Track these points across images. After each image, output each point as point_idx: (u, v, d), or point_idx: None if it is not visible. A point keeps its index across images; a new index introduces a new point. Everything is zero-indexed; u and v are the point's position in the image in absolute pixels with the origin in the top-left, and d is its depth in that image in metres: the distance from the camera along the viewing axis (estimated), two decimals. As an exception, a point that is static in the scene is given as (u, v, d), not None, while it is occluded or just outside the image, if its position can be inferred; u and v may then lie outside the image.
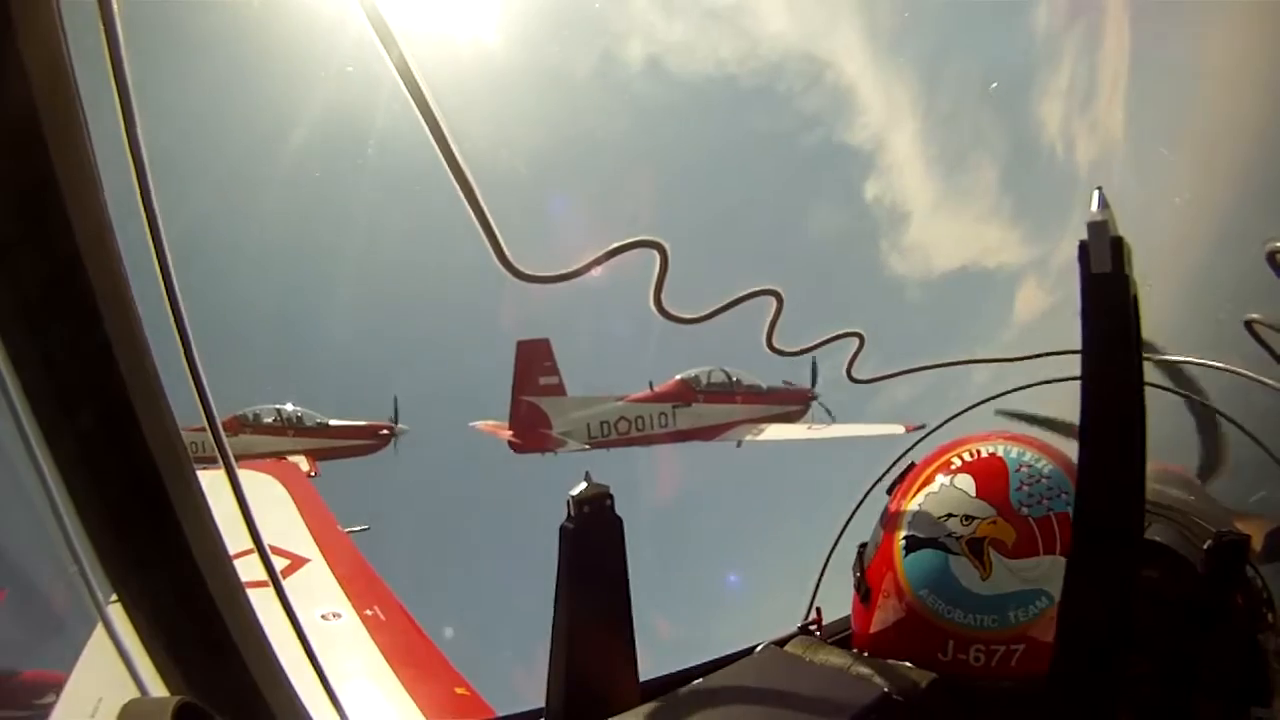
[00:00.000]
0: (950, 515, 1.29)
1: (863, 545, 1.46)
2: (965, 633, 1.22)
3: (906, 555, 1.31)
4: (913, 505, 1.35)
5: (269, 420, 16.55)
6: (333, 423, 17.69)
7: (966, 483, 1.32)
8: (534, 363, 17.68)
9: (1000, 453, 1.34)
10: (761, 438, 17.44)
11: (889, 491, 1.46)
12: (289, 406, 17.08)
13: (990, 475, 1.31)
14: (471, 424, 18.70)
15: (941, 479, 1.35)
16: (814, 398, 17.88)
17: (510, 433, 17.76)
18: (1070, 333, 1.17)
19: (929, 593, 1.26)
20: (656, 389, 18.17)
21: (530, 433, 17.69)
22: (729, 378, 17.93)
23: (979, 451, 1.36)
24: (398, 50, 1.06)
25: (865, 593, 1.38)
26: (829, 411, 17.55)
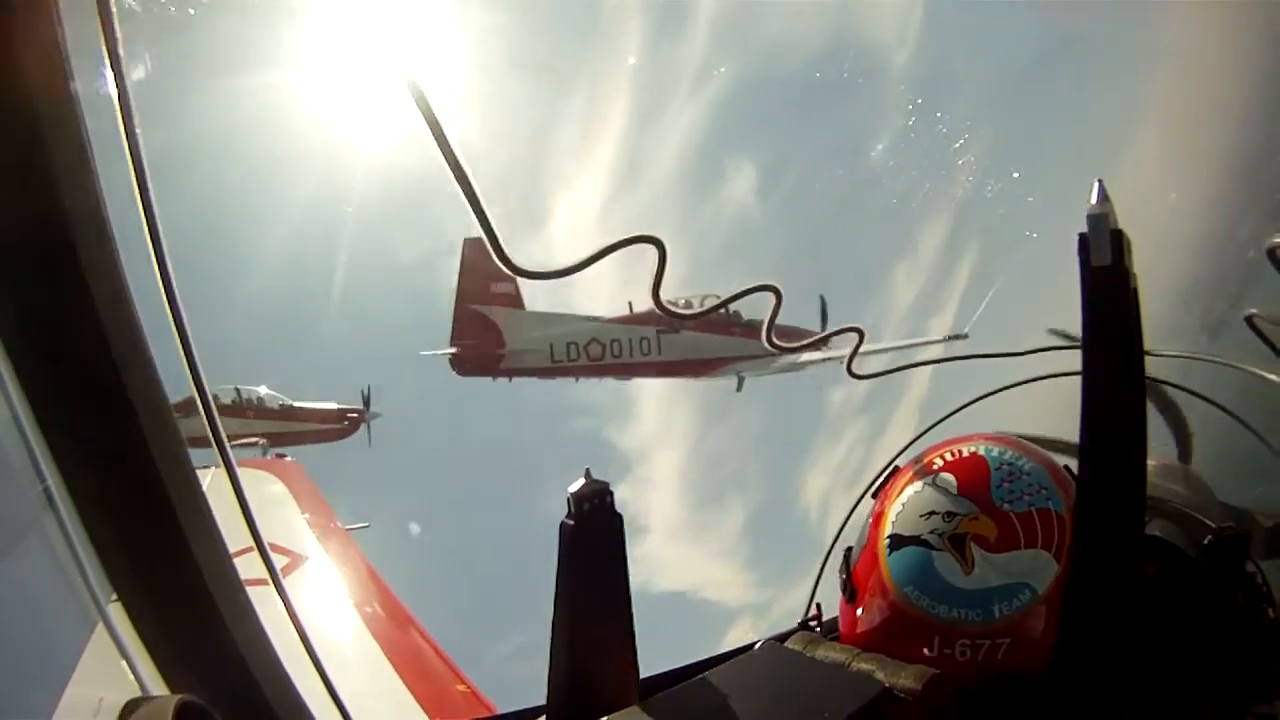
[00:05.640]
0: (932, 513, 1.30)
1: (849, 548, 1.47)
2: (950, 628, 1.23)
3: (890, 554, 1.32)
4: (896, 505, 1.36)
5: (226, 401, 15.22)
6: (298, 405, 16.39)
7: (948, 481, 1.33)
8: (485, 264, 12.68)
9: (981, 451, 1.36)
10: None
11: (873, 494, 1.48)
12: (255, 387, 15.89)
13: (971, 473, 1.33)
14: (422, 352, 16.52)
15: (924, 479, 1.37)
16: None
17: (452, 349, 14.84)
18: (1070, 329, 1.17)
19: (913, 589, 1.27)
20: (637, 311, 15.11)
21: (477, 348, 14.74)
22: (727, 310, 15.30)
23: (960, 451, 1.38)
24: (399, 50, 1.06)
25: (851, 593, 1.39)
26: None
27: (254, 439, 13.83)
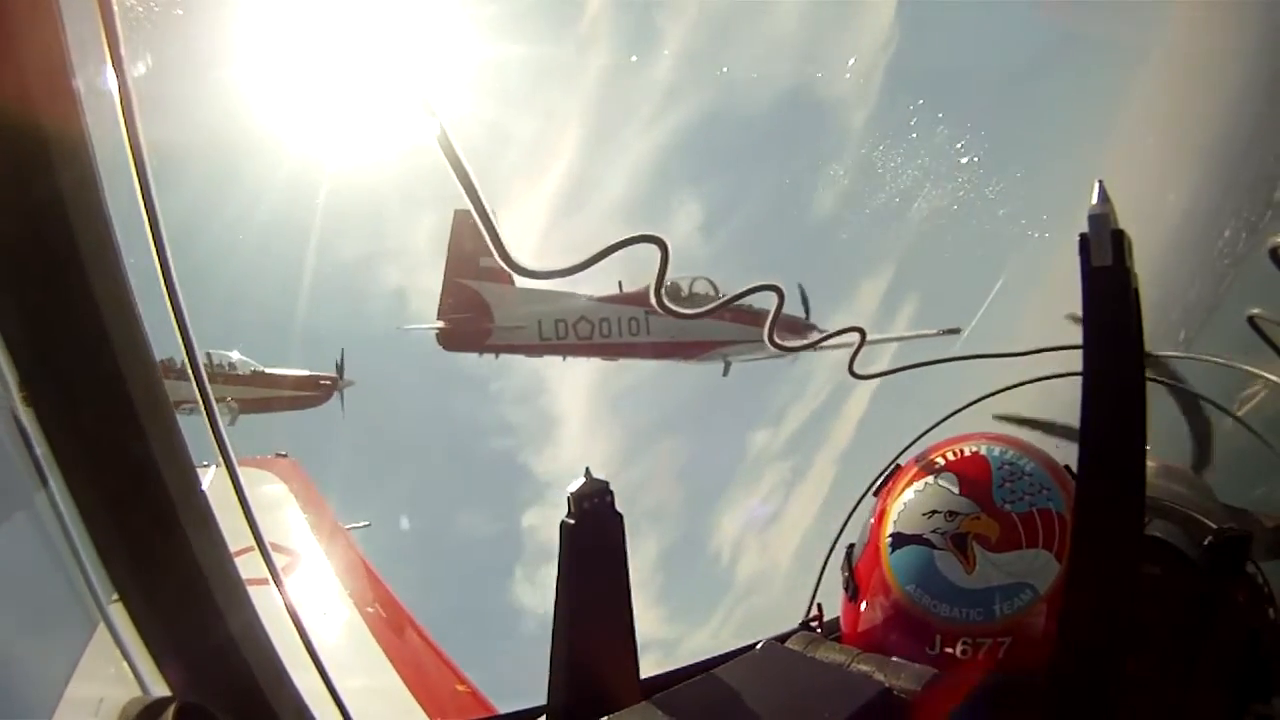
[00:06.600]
0: (934, 512, 1.31)
1: (851, 546, 1.48)
2: (952, 626, 1.24)
3: (893, 552, 1.33)
4: (898, 504, 1.37)
5: (197, 365, 15.15)
6: (269, 371, 16.24)
7: (950, 481, 1.34)
8: (475, 238, 13.43)
9: (983, 451, 1.37)
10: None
11: (875, 493, 1.49)
12: (227, 352, 15.76)
13: (973, 473, 1.33)
14: (403, 327, 16.19)
15: (926, 478, 1.37)
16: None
17: (440, 323, 14.67)
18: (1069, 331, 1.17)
19: (915, 588, 1.27)
20: (627, 291, 14.85)
21: (464, 323, 14.58)
22: (715, 290, 14.24)
23: (962, 451, 1.39)
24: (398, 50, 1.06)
25: (854, 590, 1.40)
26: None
27: (223, 401, 13.75)
